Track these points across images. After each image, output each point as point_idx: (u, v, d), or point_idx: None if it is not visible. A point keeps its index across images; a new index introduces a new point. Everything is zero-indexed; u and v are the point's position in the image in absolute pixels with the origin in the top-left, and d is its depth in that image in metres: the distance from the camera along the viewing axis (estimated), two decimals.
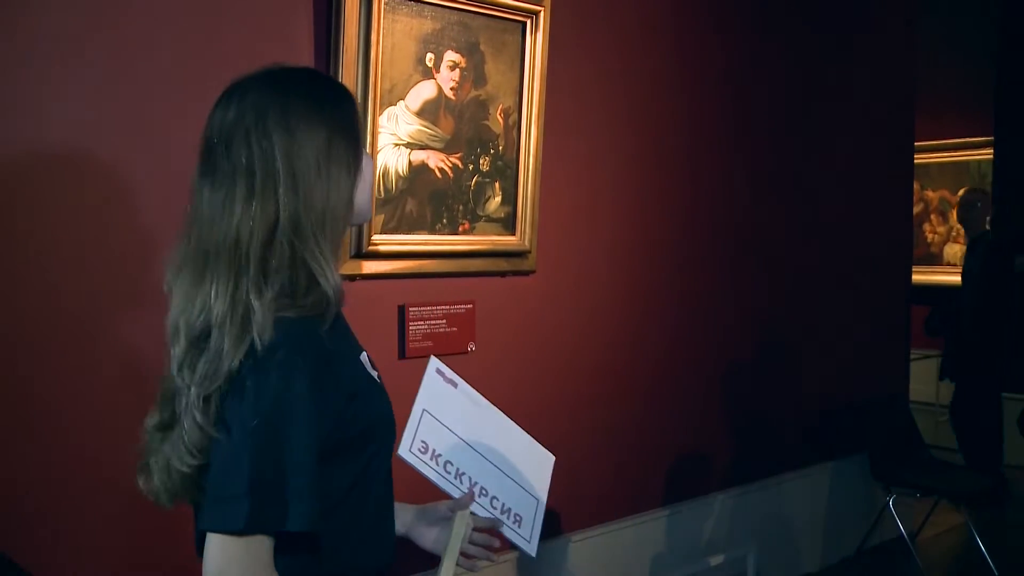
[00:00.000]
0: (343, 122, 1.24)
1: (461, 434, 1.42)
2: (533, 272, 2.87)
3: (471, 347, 2.73)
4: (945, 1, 6.39)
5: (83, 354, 2.03)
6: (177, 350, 1.18)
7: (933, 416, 6.50)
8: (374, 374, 1.30)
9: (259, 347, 1.11)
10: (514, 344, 2.86)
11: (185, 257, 1.21)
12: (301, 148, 1.19)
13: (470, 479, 1.39)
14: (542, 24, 2.72)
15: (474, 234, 2.70)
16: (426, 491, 1.44)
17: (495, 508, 1.41)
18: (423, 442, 1.35)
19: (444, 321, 2.66)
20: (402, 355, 2.58)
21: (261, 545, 1.09)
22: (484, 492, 1.40)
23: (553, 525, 3.01)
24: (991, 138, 6.34)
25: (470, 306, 2.72)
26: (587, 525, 3.10)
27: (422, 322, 2.60)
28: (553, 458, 1.57)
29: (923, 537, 4.44)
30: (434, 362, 1.45)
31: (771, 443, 3.84)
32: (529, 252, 2.82)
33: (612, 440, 3.17)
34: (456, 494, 1.36)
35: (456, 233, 2.66)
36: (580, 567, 3.07)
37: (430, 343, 2.62)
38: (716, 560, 3.32)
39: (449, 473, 1.36)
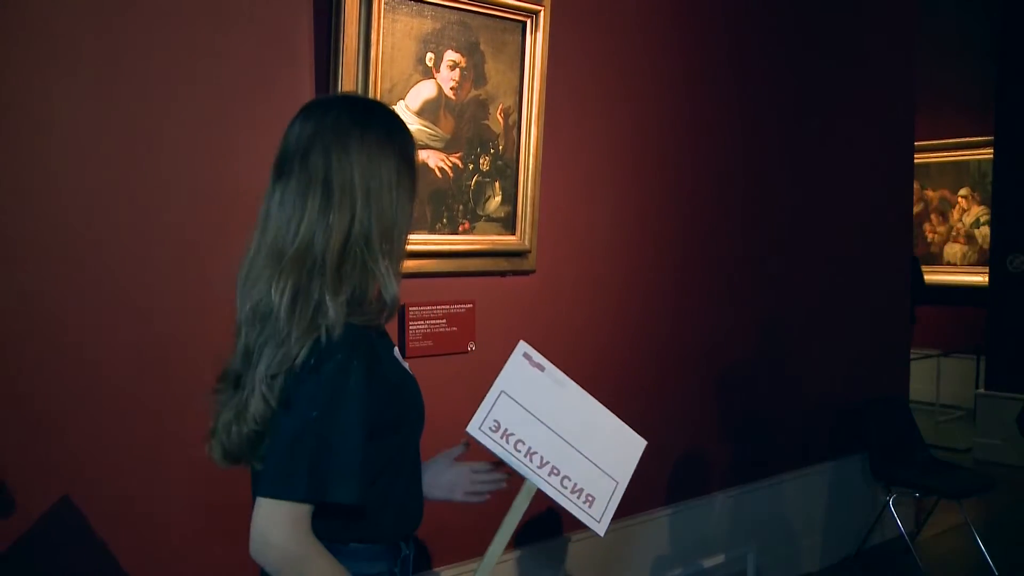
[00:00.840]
0: (407, 155, 1.41)
1: (540, 415, 1.50)
2: (533, 272, 2.87)
3: (471, 347, 2.73)
4: (945, 1, 6.39)
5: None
6: (247, 334, 1.36)
7: (933, 416, 6.51)
8: (405, 365, 1.47)
9: (324, 341, 1.28)
10: (514, 344, 2.85)
11: (257, 252, 1.36)
12: (377, 170, 1.35)
13: (541, 458, 1.47)
14: (542, 24, 2.72)
15: (474, 234, 2.70)
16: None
17: (565, 487, 1.49)
18: (495, 421, 1.45)
19: (444, 321, 2.66)
20: (402, 354, 2.58)
21: (305, 512, 1.27)
22: (556, 471, 1.48)
23: (553, 525, 3.01)
24: (991, 138, 6.35)
25: (470, 306, 2.72)
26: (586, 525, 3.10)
27: (422, 322, 2.60)
28: (644, 443, 1.62)
29: (923, 537, 4.44)
30: (522, 346, 1.57)
31: (771, 443, 3.84)
32: (529, 252, 2.82)
33: None
34: (524, 472, 1.46)
35: (456, 233, 2.65)
36: (580, 567, 3.07)
37: (430, 343, 2.63)
38: (716, 560, 3.32)
39: (520, 452, 1.45)
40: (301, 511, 1.27)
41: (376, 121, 1.39)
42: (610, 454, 1.57)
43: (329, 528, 1.33)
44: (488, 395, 1.47)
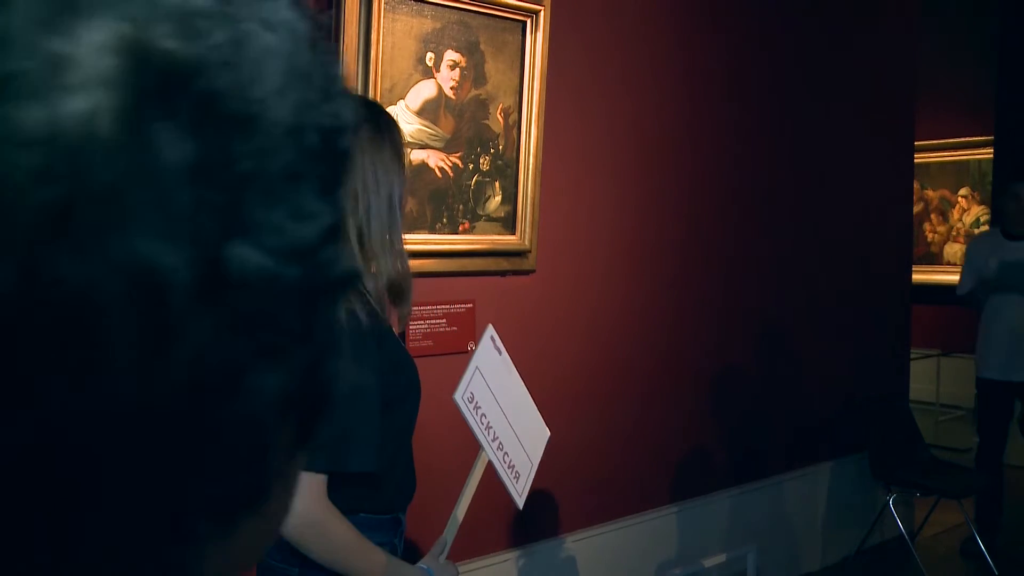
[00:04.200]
0: (397, 147, 1.52)
1: (496, 394, 1.65)
2: (533, 272, 2.87)
3: (471, 347, 2.72)
4: (945, 1, 6.39)
5: None
6: None
7: (933, 416, 6.51)
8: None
9: (344, 324, 1.37)
10: (514, 344, 2.85)
11: None
12: (370, 166, 1.48)
13: (494, 432, 1.62)
14: (542, 24, 2.72)
15: (474, 234, 2.70)
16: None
17: (504, 462, 1.63)
18: (471, 392, 1.58)
19: (444, 320, 2.66)
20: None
21: (323, 481, 1.39)
22: (501, 447, 1.63)
23: (553, 524, 3.01)
24: (991, 138, 6.35)
25: (470, 306, 2.72)
26: (587, 525, 3.10)
27: (422, 321, 2.60)
28: (548, 434, 1.83)
29: (923, 537, 4.44)
30: (490, 329, 1.70)
31: (771, 443, 3.84)
32: (529, 252, 2.82)
33: (612, 440, 3.17)
34: (483, 443, 1.59)
35: (456, 232, 2.65)
36: (580, 567, 3.07)
37: (430, 342, 2.62)
38: (716, 560, 3.32)
39: (482, 425, 1.59)
40: (320, 480, 1.38)
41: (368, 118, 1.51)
42: (531, 438, 1.75)
43: (341, 499, 1.45)
44: (467, 369, 1.60)
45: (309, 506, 1.36)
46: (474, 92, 2.64)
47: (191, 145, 0.22)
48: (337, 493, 1.44)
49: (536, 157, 2.77)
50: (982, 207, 7.15)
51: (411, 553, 2.49)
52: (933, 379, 6.56)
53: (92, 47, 0.22)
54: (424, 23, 2.49)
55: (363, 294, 1.45)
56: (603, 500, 3.16)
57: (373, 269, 1.48)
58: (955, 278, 7.26)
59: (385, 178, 1.48)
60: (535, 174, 2.78)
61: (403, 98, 2.48)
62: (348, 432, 1.38)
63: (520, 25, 2.71)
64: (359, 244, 1.46)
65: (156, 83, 0.22)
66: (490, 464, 1.61)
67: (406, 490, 1.59)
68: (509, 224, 2.77)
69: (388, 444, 1.50)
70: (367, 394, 1.40)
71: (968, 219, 7.30)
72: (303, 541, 1.38)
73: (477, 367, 1.61)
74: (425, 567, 1.53)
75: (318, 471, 1.38)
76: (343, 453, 1.38)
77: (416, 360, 2.57)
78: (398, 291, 1.50)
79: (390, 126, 1.53)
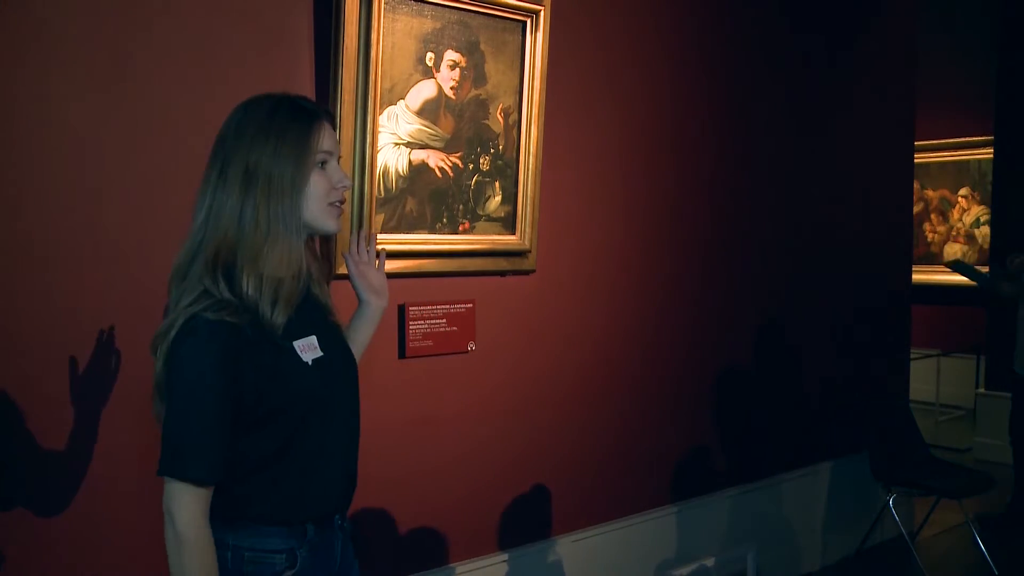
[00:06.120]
0: (286, 139, 1.41)
1: None
2: (533, 272, 2.87)
3: (471, 347, 2.73)
4: (945, 1, 6.39)
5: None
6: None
7: (933, 416, 6.51)
8: (308, 357, 1.47)
9: (192, 325, 1.36)
10: (514, 344, 2.86)
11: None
12: (239, 159, 1.40)
13: None
14: (542, 24, 2.72)
15: (474, 233, 2.70)
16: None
17: None
18: None
19: (444, 320, 2.66)
20: (402, 355, 2.58)
21: (185, 487, 1.35)
22: None
23: (553, 524, 3.01)
24: (991, 138, 6.35)
25: (470, 306, 2.72)
26: (586, 524, 3.10)
27: (422, 321, 2.60)
28: None
29: (923, 537, 4.44)
30: None
31: (771, 443, 3.84)
32: (529, 252, 2.82)
33: (612, 439, 3.17)
34: None
35: (456, 232, 2.65)
36: (579, 567, 3.07)
37: (430, 342, 2.62)
38: (716, 559, 3.32)
39: None
40: (189, 491, 1.35)
41: (253, 111, 1.44)
42: None
43: (229, 504, 1.43)
44: None
45: (183, 518, 1.35)
46: (474, 92, 2.64)
47: None
48: (223, 496, 1.41)
49: (536, 157, 2.78)
50: (982, 207, 7.15)
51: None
52: (933, 379, 6.56)
53: None
54: (424, 23, 2.49)
55: (222, 300, 1.37)
56: (603, 500, 3.16)
57: (253, 271, 1.40)
58: (955, 278, 7.27)
59: (266, 167, 1.39)
60: (535, 174, 2.78)
61: (403, 98, 2.48)
62: (183, 438, 1.35)
63: (520, 25, 2.71)
64: (231, 248, 1.39)
65: None
66: None
67: (308, 502, 1.48)
68: (509, 224, 2.77)
69: (275, 458, 1.43)
70: (203, 402, 1.35)
71: (968, 219, 7.30)
72: (167, 549, 1.36)
73: None
74: None
75: (162, 475, 1.36)
76: (178, 460, 1.35)
77: (416, 360, 2.59)
78: (276, 291, 1.42)
79: (276, 110, 1.43)
